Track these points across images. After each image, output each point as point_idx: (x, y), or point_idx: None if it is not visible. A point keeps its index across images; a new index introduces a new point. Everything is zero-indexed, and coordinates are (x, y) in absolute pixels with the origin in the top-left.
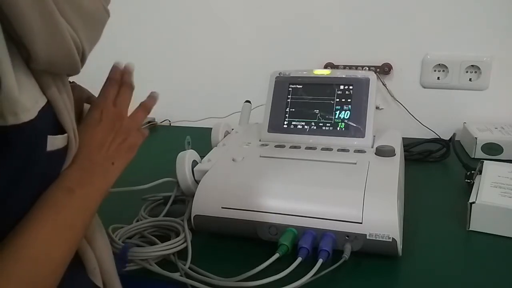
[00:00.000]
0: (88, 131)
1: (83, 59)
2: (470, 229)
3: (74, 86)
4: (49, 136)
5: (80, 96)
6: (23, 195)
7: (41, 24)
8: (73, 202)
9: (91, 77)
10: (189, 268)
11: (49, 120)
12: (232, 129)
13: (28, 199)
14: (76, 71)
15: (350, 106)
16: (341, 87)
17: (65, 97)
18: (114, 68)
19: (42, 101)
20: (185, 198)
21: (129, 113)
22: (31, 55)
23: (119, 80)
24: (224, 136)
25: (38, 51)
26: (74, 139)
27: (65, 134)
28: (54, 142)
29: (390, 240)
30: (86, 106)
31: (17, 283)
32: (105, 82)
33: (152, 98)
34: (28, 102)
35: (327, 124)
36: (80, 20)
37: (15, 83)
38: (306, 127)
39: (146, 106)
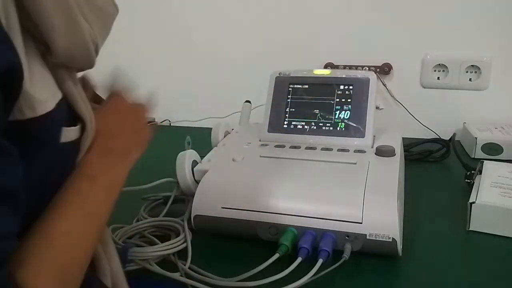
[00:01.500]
0: (106, 119)
1: (96, 54)
2: (470, 229)
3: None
4: (63, 128)
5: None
6: (46, 186)
7: (62, 20)
8: (96, 190)
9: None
10: (189, 268)
11: (64, 112)
12: (232, 129)
13: (49, 192)
14: (91, 65)
15: (350, 106)
16: (341, 87)
17: (80, 89)
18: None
19: (58, 95)
20: (184, 197)
21: None
22: (51, 49)
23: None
24: (224, 136)
25: (58, 46)
26: (90, 129)
27: (78, 126)
28: (68, 134)
29: (390, 240)
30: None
31: (49, 270)
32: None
33: (151, 100)
34: (44, 94)
35: (327, 124)
36: (94, 15)
37: (28, 77)
38: (306, 127)
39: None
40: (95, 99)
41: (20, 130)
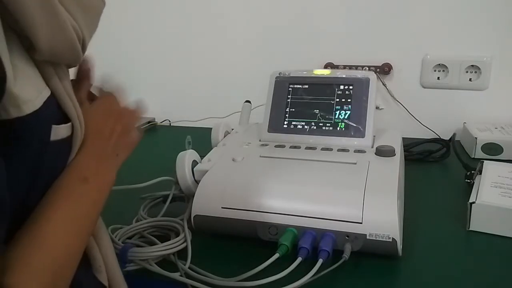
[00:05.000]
0: (97, 120)
1: (83, 48)
2: (470, 229)
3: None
4: (53, 126)
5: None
6: (35, 187)
7: (43, 14)
8: (88, 191)
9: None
10: (189, 268)
11: (52, 110)
12: (232, 129)
13: (40, 191)
14: (77, 60)
15: (350, 106)
16: (341, 87)
17: (67, 86)
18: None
19: (46, 92)
20: (184, 195)
21: None
22: (35, 45)
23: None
24: (224, 136)
25: (41, 42)
26: (79, 127)
27: (69, 124)
28: (58, 132)
29: (390, 240)
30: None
31: (37, 271)
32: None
33: (140, 104)
34: (30, 93)
35: (327, 124)
36: (79, 8)
37: (12, 76)
38: (306, 127)
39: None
40: (90, 97)
41: (7, 130)
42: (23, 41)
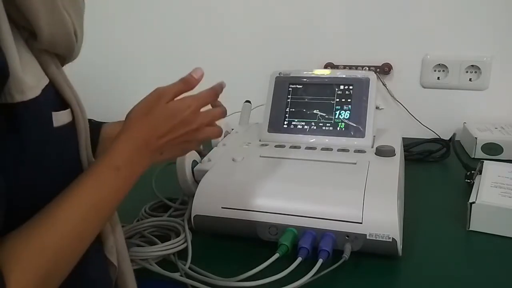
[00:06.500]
0: (160, 116)
1: (77, 42)
2: (470, 229)
3: None
4: (53, 113)
5: None
6: (42, 174)
7: (46, 9)
8: (116, 181)
9: (95, 76)
10: (189, 268)
11: (51, 97)
12: (232, 129)
13: (49, 178)
14: (71, 50)
15: (350, 106)
16: (341, 87)
17: (65, 75)
18: (195, 72)
19: (45, 80)
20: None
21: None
22: (37, 34)
23: (192, 83)
24: (224, 136)
25: (42, 30)
26: (79, 112)
27: (68, 110)
28: (59, 118)
29: (390, 240)
30: None
31: (50, 254)
32: (178, 81)
33: (218, 88)
34: (32, 80)
35: (327, 124)
36: (71, 6)
37: (18, 63)
38: (306, 127)
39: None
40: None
41: (9, 114)
42: (21, 33)
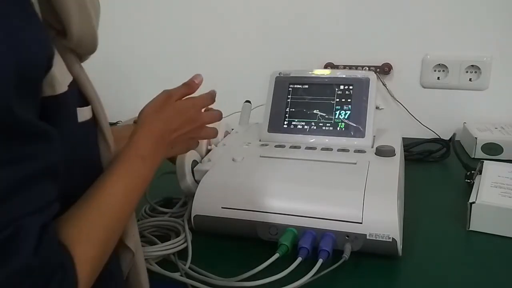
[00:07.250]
0: (172, 112)
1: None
2: (470, 229)
3: None
4: (78, 108)
5: None
6: (72, 170)
7: (76, 6)
8: (144, 169)
9: (98, 74)
10: (189, 268)
11: (75, 93)
12: (232, 129)
13: (76, 169)
14: (95, 48)
15: (350, 106)
16: (341, 87)
17: (85, 73)
18: (195, 78)
19: (69, 77)
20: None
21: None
22: (67, 32)
23: (193, 87)
24: (224, 136)
25: (73, 28)
26: (100, 108)
27: (89, 106)
28: (82, 114)
29: (390, 240)
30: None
31: (102, 231)
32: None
33: (213, 93)
34: (60, 76)
35: (327, 124)
36: (92, 5)
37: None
38: (306, 127)
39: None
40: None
41: (41, 108)
42: (50, 32)
